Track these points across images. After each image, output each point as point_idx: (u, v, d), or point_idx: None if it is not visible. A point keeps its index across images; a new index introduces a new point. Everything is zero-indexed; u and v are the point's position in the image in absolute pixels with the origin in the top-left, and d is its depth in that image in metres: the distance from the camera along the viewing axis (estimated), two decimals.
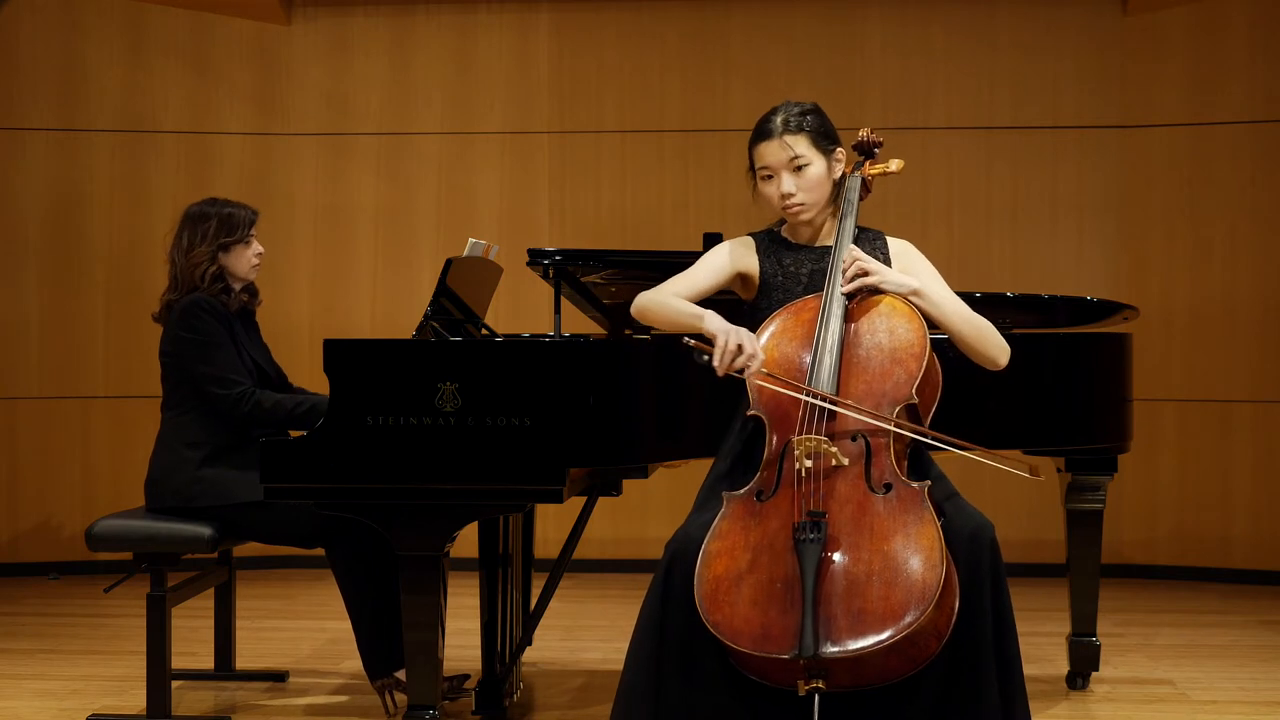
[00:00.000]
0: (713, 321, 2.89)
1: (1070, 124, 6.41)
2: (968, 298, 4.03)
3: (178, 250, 3.98)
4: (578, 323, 4.37)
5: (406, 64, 6.62)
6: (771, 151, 3.03)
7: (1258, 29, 6.20)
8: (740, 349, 2.82)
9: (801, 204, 3.04)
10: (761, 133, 3.06)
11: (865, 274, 2.94)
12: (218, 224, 3.97)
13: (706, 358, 2.85)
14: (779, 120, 3.05)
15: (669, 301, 3.02)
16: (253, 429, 3.85)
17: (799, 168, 3.03)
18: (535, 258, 3.72)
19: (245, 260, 4.00)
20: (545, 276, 3.83)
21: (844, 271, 2.95)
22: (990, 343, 3.01)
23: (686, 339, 2.89)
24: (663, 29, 6.56)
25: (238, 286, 4.01)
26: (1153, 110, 6.35)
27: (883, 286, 2.95)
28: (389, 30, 6.62)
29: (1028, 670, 2.86)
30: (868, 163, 3.19)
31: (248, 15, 6.53)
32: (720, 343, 2.83)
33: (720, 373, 2.83)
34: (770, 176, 3.05)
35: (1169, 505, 6.34)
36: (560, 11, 6.58)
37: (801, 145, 3.03)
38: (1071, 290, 5.96)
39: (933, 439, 2.85)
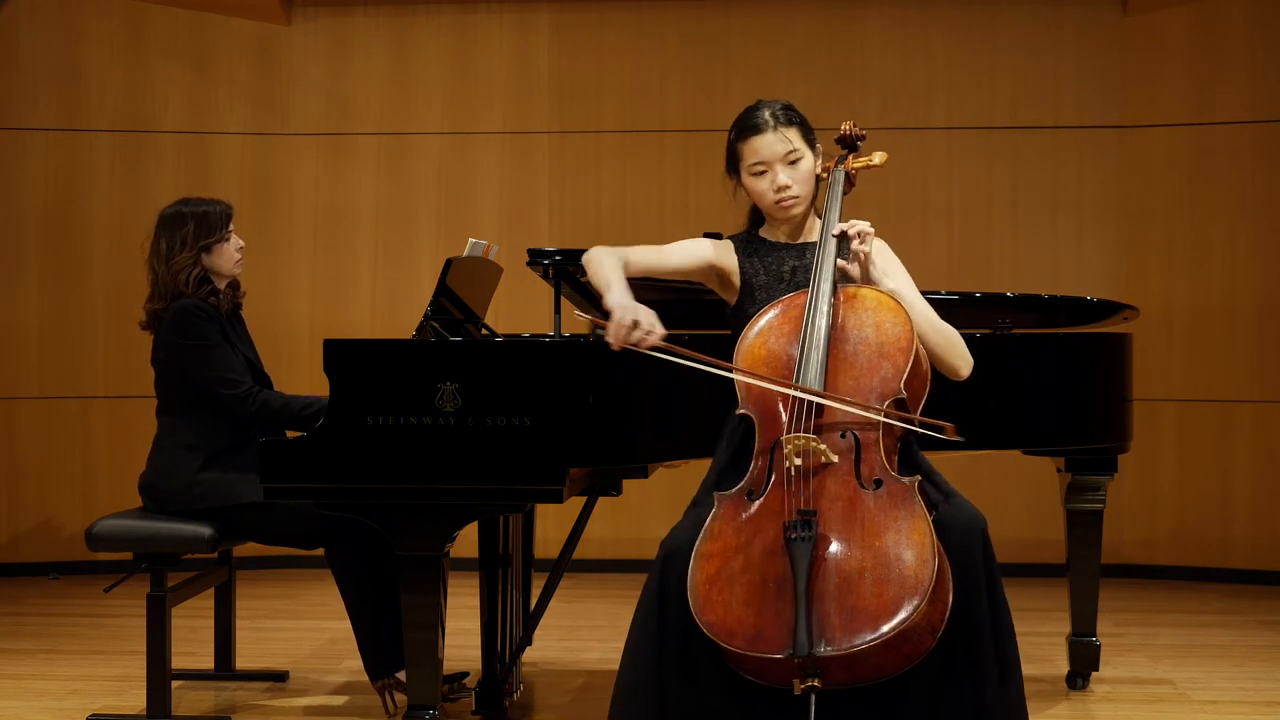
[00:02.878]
0: (614, 297, 2.86)
1: (1070, 124, 6.41)
2: (968, 298, 4.07)
3: (156, 257, 3.91)
4: (578, 323, 4.35)
5: (406, 64, 6.62)
6: (768, 144, 3.03)
7: (1258, 29, 6.20)
8: (636, 324, 2.79)
9: (796, 196, 3.05)
10: (752, 127, 3.05)
11: (866, 238, 2.93)
12: (195, 225, 3.90)
13: (601, 331, 2.84)
14: (768, 114, 3.04)
15: (605, 261, 2.98)
16: (255, 428, 3.83)
17: (793, 161, 3.03)
18: (535, 258, 3.72)
19: (228, 257, 3.96)
20: (545, 276, 3.83)
21: (852, 223, 2.92)
22: (955, 351, 3.00)
23: (580, 314, 2.91)
24: (663, 29, 6.56)
25: (222, 284, 3.97)
26: (1153, 110, 6.35)
27: (869, 264, 2.93)
28: (389, 30, 6.62)
29: (1027, 670, 2.87)
30: (851, 156, 3.16)
31: (248, 15, 6.53)
32: (615, 316, 2.81)
33: (615, 347, 2.80)
34: (764, 171, 3.04)
35: (1169, 505, 6.33)
36: (560, 11, 6.58)
37: (795, 138, 3.04)
38: (1071, 290, 5.96)
39: (898, 421, 2.80)
